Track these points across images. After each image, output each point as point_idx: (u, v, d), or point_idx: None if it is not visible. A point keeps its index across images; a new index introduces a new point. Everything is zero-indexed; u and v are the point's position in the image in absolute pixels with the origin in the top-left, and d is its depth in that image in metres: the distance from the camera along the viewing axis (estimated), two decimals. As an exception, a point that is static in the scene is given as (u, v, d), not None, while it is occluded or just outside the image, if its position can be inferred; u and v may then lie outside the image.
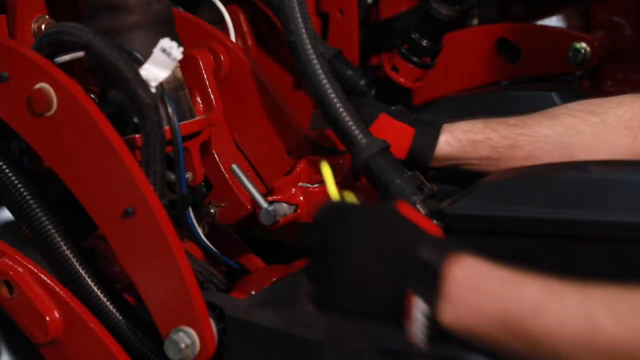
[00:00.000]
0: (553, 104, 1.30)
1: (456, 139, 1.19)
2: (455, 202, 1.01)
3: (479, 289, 0.77)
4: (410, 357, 0.86)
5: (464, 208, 0.99)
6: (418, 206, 1.10)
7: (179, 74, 1.17)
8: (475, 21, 1.76)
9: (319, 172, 1.21)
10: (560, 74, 1.54)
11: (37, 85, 1.03)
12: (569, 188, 0.94)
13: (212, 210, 1.26)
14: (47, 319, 1.07)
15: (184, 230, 1.16)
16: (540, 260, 0.94)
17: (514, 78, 1.58)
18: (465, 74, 1.58)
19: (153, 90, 1.04)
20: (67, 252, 1.09)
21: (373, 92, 1.52)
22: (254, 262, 1.27)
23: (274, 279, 1.09)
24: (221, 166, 1.25)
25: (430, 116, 1.38)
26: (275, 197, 1.16)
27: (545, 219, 0.94)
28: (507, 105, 1.35)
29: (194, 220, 1.14)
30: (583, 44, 1.49)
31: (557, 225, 0.93)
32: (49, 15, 1.23)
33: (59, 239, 1.09)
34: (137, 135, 1.08)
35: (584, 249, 0.92)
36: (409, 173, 1.13)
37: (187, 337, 0.99)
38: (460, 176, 1.20)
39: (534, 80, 1.57)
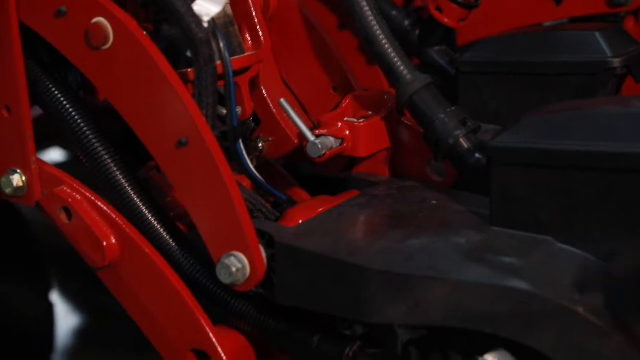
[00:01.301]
0: (597, 44, 1.31)
1: None
2: (498, 135, 1.02)
3: None
4: None
5: (506, 141, 1.00)
6: (461, 140, 1.12)
7: (229, 10, 1.20)
8: (519, -38, 1.75)
9: (363, 107, 1.24)
10: (604, 14, 1.54)
11: (95, 20, 1.06)
12: (611, 121, 0.95)
13: (260, 145, 1.30)
14: (105, 244, 1.12)
15: (234, 163, 1.19)
16: (581, 193, 0.96)
17: (557, 19, 1.58)
18: (508, 15, 1.58)
19: (205, 25, 1.08)
20: (123, 181, 1.13)
21: (417, 33, 1.54)
22: (300, 195, 1.30)
23: (321, 210, 1.12)
24: (269, 101, 1.28)
25: (473, 56, 1.40)
26: (321, 131, 1.19)
27: (587, 151, 0.95)
28: (550, 46, 1.35)
29: (244, 152, 1.18)
30: (627, -16, 1.49)
31: (599, 158, 0.94)
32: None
33: (115, 169, 1.13)
34: (189, 70, 1.11)
35: (626, 182, 0.93)
36: (453, 108, 1.15)
37: (237, 262, 1.03)
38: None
39: (577, 21, 1.57)
